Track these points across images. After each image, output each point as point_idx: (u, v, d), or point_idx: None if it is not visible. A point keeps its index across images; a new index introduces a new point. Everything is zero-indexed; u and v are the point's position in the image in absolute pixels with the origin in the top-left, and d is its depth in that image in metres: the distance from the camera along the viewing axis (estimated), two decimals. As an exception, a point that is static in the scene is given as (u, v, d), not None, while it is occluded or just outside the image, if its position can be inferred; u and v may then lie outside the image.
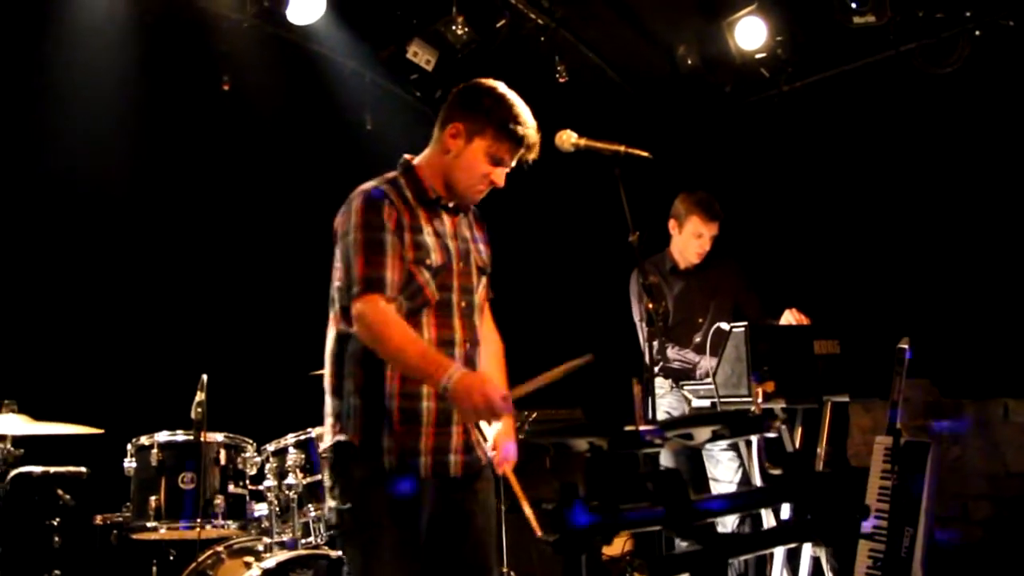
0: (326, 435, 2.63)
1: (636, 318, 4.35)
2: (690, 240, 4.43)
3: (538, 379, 2.52)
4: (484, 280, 2.77)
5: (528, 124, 2.63)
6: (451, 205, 2.69)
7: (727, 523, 4.00)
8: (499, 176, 2.66)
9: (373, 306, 2.48)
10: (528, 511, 2.80)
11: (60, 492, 3.83)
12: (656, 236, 4.44)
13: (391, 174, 2.69)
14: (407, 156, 2.74)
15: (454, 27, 5.07)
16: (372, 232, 2.52)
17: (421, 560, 2.54)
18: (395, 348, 2.48)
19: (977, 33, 4.47)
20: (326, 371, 2.65)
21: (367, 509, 2.52)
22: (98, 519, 3.85)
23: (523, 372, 3.08)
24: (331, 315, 2.65)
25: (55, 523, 3.80)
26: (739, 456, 4.27)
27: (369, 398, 2.55)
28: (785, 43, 5.03)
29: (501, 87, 2.67)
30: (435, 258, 2.59)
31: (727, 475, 4.28)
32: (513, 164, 2.68)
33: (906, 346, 4.01)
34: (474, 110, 2.63)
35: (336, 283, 2.61)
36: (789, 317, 4.05)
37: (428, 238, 2.60)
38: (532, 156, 2.66)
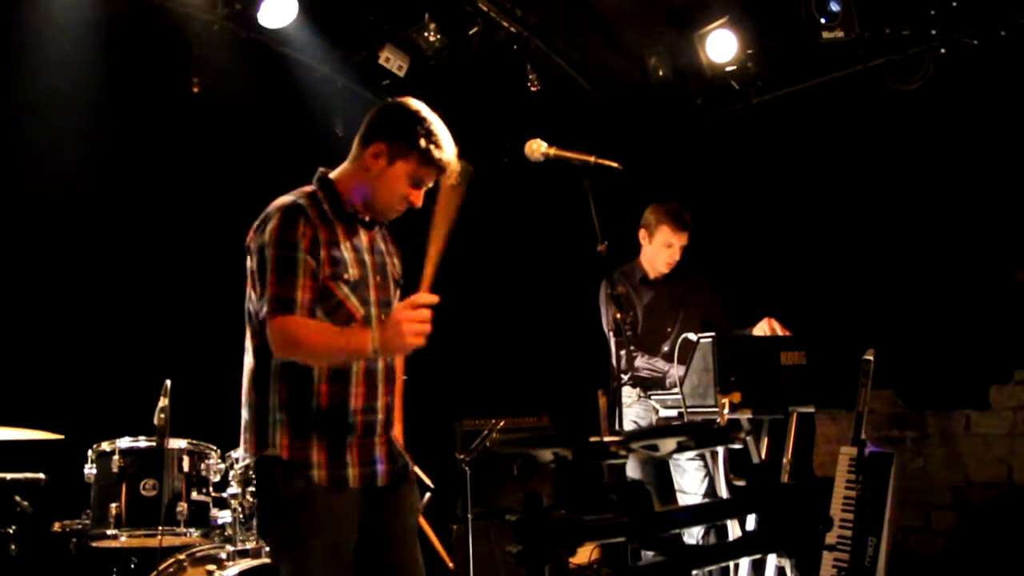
0: (244, 451, 2.62)
1: (605, 327, 4.36)
2: (660, 250, 4.46)
3: (430, 255, 2.47)
4: (399, 293, 2.78)
5: (450, 151, 2.65)
6: (367, 219, 2.70)
7: (693, 533, 4.01)
8: (418, 197, 2.68)
9: (282, 327, 2.48)
10: (439, 549, 2.81)
11: (17, 499, 3.76)
12: (625, 246, 4.46)
13: (308, 188, 2.69)
14: (322, 169, 2.74)
15: (426, 34, 5.06)
16: (284, 250, 2.52)
17: (352, 571, 2.55)
18: (312, 347, 2.49)
19: (943, 51, 4.54)
20: (245, 387, 2.64)
21: (296, 524, 2.52)
22: (56, 526, 3.77)
23: (490, 384, 3.08)
24: (248, 330, 2.64)
25: (11, 531, 3.72)
26: (706, 466, 4.29)
27: (295, 413, 2.54)
28: (755, 57, 5.08)
29: (425, 110, 2.67)
30: (352, 272, 2.60)
31: (693, 486, 4.30)
32: (431, 185, 2.68)
33: (871, 357, 4.06)
34: (398, 133, 2.63)
35: (253, 298, 2.60)
36: (765, 327, 4.08)
37: (345, 253, 2.61)
38: (451, 181, 2.65)
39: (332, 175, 2.71)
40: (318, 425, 2.54)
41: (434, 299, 2.40)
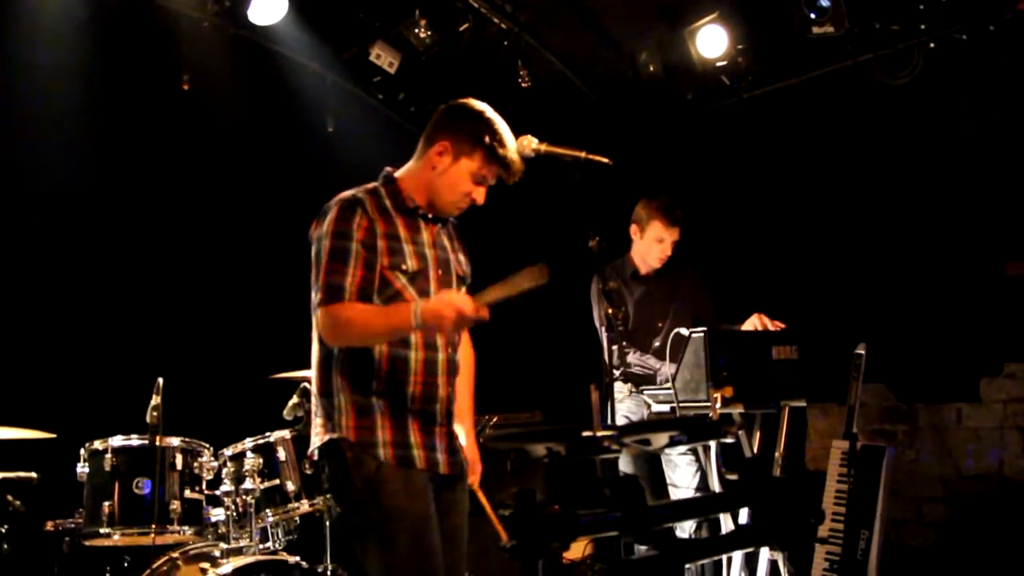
0: (315, 436, 2.68)
1: (596, 323, 4.36)
2: (652, 245, 4.47)
3: (498, 289, 2.58)
4: (463, 290, 2.85)
5: (513, 149, 2.73)
6: (430, 216, 2.77)
7: (685, 527, 4.03)
8: (480, 194, 2.77)
9: (331, 315, 2.56)
10: (496, 522, 2.84)
11: (9, 498, 3.74)
12: (616, 242, 4.46)
13: (372, 184, 2.76)
14: (389, 168, 2.81)
15: (417, 30, 5.07)
16: (339, 240, 2.60)
17: (437, 543, 2.59)
18: (360, 329, 2.57)
19: (932, 46, 4.56)
20: (313, 373, 2.72)
21: (375, 502, 2.57)
22: (49, 525, 3.77)
23: (483, 379, 3.09)
24: (313, 318, 2.69)
25: (3, 530, 3.71)
26: (698, 461, 4.30)
27: (359, 396, 2.62)
28: (746, 52, 5.09)
29: (489, 110, 2.76)
30: (411, 264, 2.67)
31: (685, 480, 4.31)
32: (493, 183, 2.78)
33: (862, 351, 4.07)
34: (463, 131, 2.72)
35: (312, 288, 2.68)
36: (755, 321, 4.09)
37: (404, 244, 2.67)
38: (514, 180, 2.77)
39: (397, 173, 2.79)
40: (381, 408, 2.61)
41: (484, 315, 2.50)
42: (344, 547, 3.77)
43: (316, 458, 2.70)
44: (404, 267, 2.65)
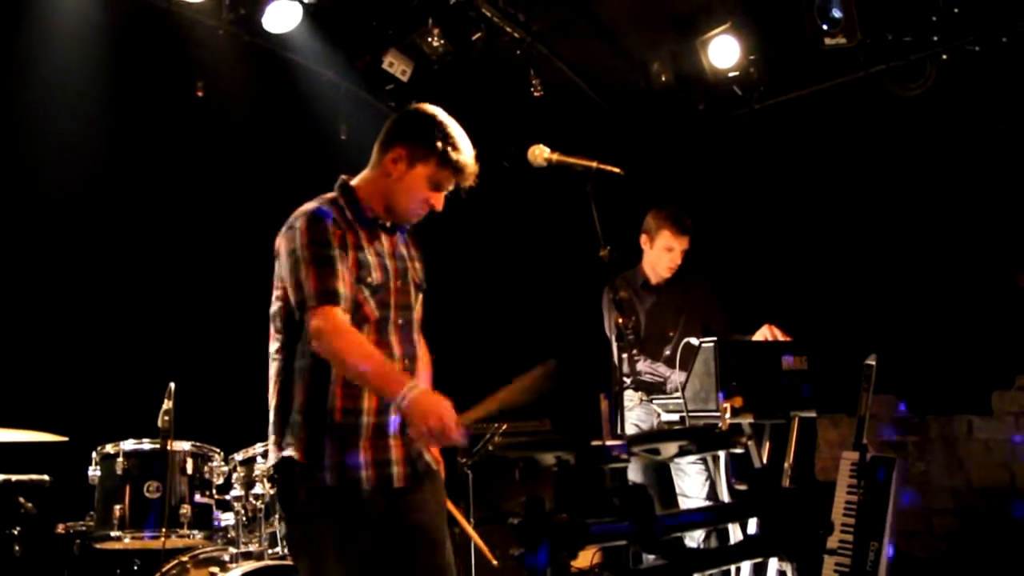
0: (271, 452, 2.65)
1: (607, 332, 4.37)
2: (661, 254, 4.47)
3: (491, 401, 2.52)
4: (420, 297, 2.82)
5: (469, 153, 2.70)
6: (388, 225, 2.75)
7: (694, 537, 4.02)
8: (438, 200, 2.73)
9: (330, 318, 2.52)
10: (468, 528, 2.80)
11: (22, 500, 3.77)
12: (627, 252, 4.47)
13: (330, 195, 2.74)
14: (344, 177, 2.78)
15: (430, 39, 5.08)
16: (320, 248, 2.56)
17: (370, 572, 2.55)
18: (354, 360, 2.52)
19: (944, 57, 4.56)
20: (271, 388, 2.67)
21: (312, 525, 2.55)
22: (60, 528, 3.79)
23: (492, 385, 3.10)
24: (272, 332, 2.68)
25: (16, 532, 3.73)
26: (708, 470, 4.29)
27: (311, 415, 2.58)
28: (757, 62, 5.10)
29: (443, 115, 2.72)
30: (375, 276, 2.64)
31: (695, 489, 4.31)
32: (451, 189, 2.73)
33: (873, 362, 4.06)
34: (417, 137, 2.68)
35: (277, 303, 2.65)
36: (766, 332, 4.09)
37: (369, 257, 2.65)
38: (468, 184, 2.72)
39: (353, 182, 2.76)
40: (331, 427, 2.57)
41: (460, 440, 2.43)
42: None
43: (272, 473, 2.66)
44: (369, 279, 2.62)
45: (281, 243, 2.65)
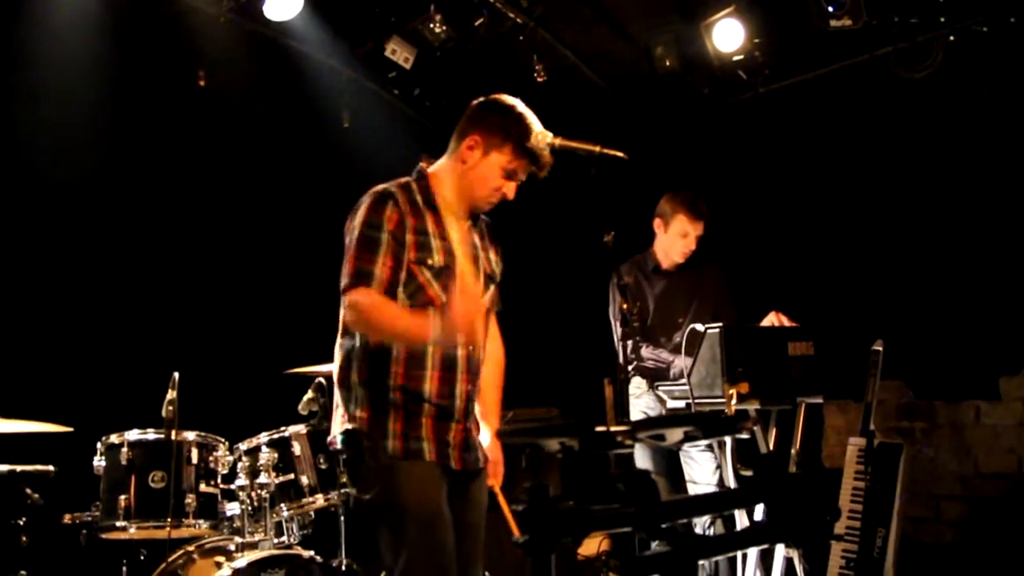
0: (335, 425, 2.74)
1: (612, 317, 4.35)
2: (676, 240, 4.43)
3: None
4: (492, 288, 2.89)
5: (544, 144, 2.74)
6: (462, 212, 2.79)
7: (701, 523, 4.01)
8: (511, 189, 2.79)
9: (359, 297, 2.61)
10: (513, 525, 2.85)
11: (28, 491, 3.76)
12: (632, 237, 4.44)
13: (404, 179, 2.79)
14: (423, 164, 2.83)
15: (432, 25, 5.06)
16: (370, 230, 2.64)
17: (449, 536, 2.62)
18: (383, 323, 2.63)
19: (951, 38, 4.51)
20: (336, 364, 2.76)
21: (387, 490, 2.62)
22: (66, 518, 3.79)
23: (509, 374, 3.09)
24: (341, 311, 2.74)
25: (22, 522, 3.73)
26: (716, 457, 4.28)
27: (375, 388, 2.66)
28: (762, 46, 5.05)
29: (520, 105, 2.78)
30: (437, 259, 2.69)
31: (704, 476, 4.29)
32: (524, 179, 2.80)
33: (880, 348, 4.04)
34: (494, 125, 2.74)
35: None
36: (773, 319, 4.06)
37: (432, 240, 2.70)
38: (544, 174, 2.79)
39: (430, 169, 2.81)
40: (396, 401, 2.64)
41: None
42: (359, 540, 3.78)
43: (336, 446, 2.73)
44: (430, 262, 2.67)
45: (347, 222, 2.73)
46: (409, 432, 2.64)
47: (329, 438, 2.79)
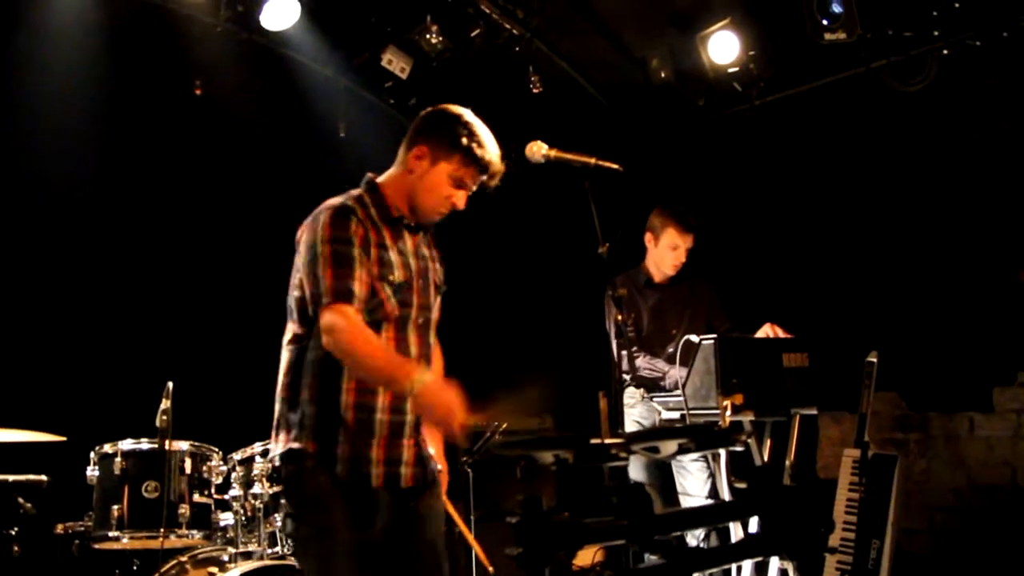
0: (277, 442, 2.66)
1: (608, 329, 4.36)
2: (666, 252, 4.46)
3: (491, 413, 2.57)
4: (439, 298, 2.83)
5: (493, 152, 2.70)
6: (412, 224, 2.75)
7: (695, 535, 4.01)
8: (460, 199, 2.73)
9: (342, 316, 2.52)
10: (467, 533, 2.83)
11: (20, 500, 3.75)
12: (627, 249, 4.45)
13: (355, 192, 2.73)
14: (371, 175, 2.78)
15: (428, 36, 5.07)
16: (339, 245, 2.57)
17: (376, 568, 2.57)
18: (363, 355, 2.54)
19: (945, 52, 4.53)
20: (280, 379, 2.68)
21: (321, 517, 2.55)
22: (59, 528, 3.78)
23: (493, 381, 3.08)
24: (288, 323, 2.69)
25: (14, 532, 3.72)
26: (709, 468, 4.28)
27: (324, 407, 2.58)
28: (757, 58, 5.07)
29: (468, 114, 2.73)
30: (398, 275, 2.65)
31: (697, 488, 4.29)
32: (475, 188, 2.74)
33: (874, 359, 4.05)
34: (441, 134, 2.69)
35: (295, 293, 2.66)
36: (767, 331, 4.07)
37: (392, 255, 2.66)
38: (494, 183, 2.74)
39: (379, 180, 2.76)
40: (345, 421, 2.58)
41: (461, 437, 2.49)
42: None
43: (277, 464, 2.65)
44: (391, 278, 2.63)
45: (303, 234, 2.66)
46: (357, 455, 2.57)
47: (270, 455, 2.72)
